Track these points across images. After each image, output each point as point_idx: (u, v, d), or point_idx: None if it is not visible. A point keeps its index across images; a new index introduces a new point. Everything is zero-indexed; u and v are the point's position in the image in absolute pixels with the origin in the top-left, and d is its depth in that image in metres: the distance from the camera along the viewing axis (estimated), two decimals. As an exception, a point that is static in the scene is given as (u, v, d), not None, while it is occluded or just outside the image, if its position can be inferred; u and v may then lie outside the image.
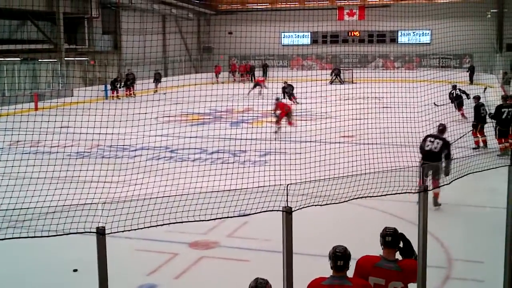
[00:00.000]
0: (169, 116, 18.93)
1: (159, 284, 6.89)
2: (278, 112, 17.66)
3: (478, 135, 14.37)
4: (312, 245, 7.18)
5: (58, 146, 13.54)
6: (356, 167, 8.12)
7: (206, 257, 7.70)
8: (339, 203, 4.79)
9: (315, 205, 4.49)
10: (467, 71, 32.55)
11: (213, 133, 14.96)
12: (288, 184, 4.01)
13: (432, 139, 9.71)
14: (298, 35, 40.80)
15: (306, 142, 12.74)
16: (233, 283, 6.62)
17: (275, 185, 5.15)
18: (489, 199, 9.94)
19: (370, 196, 5.19)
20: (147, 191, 7.53)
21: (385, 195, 5.19)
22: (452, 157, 9.46)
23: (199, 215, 4.77)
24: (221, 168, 11.26)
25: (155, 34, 32.14)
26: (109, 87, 28.47)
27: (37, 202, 6.44)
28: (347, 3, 39.78)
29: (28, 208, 5.69)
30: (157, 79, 30.16)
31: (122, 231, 3.97)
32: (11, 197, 6.65)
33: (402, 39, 39.43)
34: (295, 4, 38.91)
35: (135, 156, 13.40)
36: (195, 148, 14.41)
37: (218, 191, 5.45)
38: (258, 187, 5.94)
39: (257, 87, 28.47)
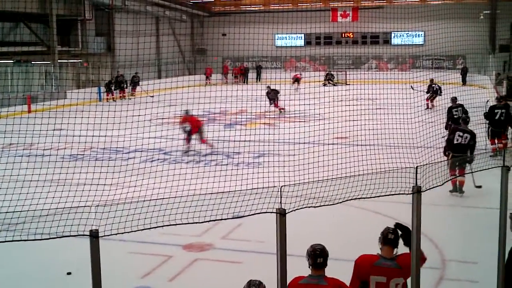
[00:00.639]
0: (162, 118, 18.92)
1: (153, 286, 6.87)
2: (187, 127, 14.80)
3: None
4: (306, 246, 7.16)
5: (51, 148, 13.49)
6: (350, 169, 8.13)
7: (200, 259, 7.69)
8: (333, 204, 4.79)
9: (309, 207, 4.49)
10: (461, 73, 32.68)
11: (207, 135, 14.92)
12: (282, 186, 4.01)
13: (461, 134, 10.42)
14: (292, 37, 40.83)
15: (300, 143, 12.76)
16: (228, 285, 6.62)
17: (269, 186, 5.15)
18: (482, 200, 9.97)
19: (364, 198, 5.20)
20: (140, 193, 7.53)
21: (379, 196, 5.21)
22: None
23: (193, 217, 4.77)
24: (215, 170, 11.26)
25: (149, 36, 32.04)
26: (103, 89, 28.41)
27: (30, 205, 6.42)
28: (341, 4, 39.86)
29: (21, 211, 5.65)
30: (135, 82, 30.05)
31: (116, 234, 3.96)
32: (4, 200, 6.63)
33: (395, 40, 39.57)
34: (288, 5, 38.95)
35: (128, 159, 13.39)
36: (188, 151, 14.41)
37: (212, 193, 5.44)
38: (252, 189, 5.94)
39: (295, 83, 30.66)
